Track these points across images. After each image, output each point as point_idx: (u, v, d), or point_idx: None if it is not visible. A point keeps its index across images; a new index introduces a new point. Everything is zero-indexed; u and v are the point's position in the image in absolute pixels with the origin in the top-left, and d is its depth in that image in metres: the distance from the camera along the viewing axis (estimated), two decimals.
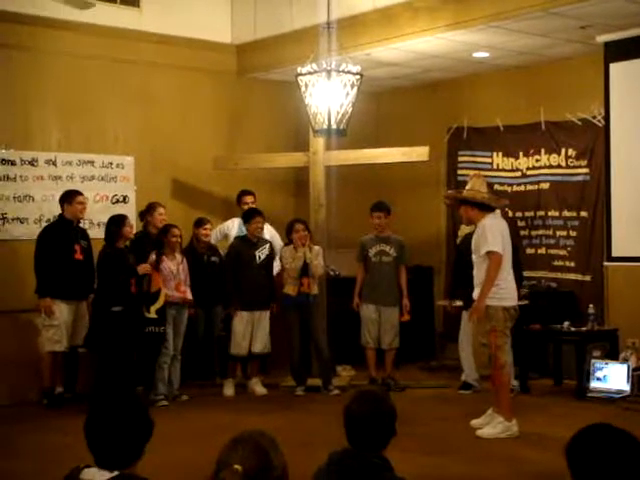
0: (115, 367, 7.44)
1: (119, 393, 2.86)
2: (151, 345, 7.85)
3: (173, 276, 8.01)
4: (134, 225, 8.36)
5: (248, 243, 8.51)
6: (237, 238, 8.74)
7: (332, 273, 9.30)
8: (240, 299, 8.35)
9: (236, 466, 2.35)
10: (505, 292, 6.57)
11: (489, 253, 6.50)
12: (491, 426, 6.56)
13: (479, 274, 6.62)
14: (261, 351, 8.45)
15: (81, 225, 8.21)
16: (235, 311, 8.37)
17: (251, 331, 8.38)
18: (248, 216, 8.60)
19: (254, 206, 9.10)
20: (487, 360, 6.65)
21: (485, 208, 6.68)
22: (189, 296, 8.11)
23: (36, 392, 7.85)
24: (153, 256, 7.84)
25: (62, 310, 7.81)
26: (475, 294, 6.65)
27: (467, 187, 6.87)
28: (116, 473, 2.62)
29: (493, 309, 6.52)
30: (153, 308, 7.76)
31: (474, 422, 6.76)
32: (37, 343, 7.91)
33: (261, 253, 8.50)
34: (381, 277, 8.56)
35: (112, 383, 7.42)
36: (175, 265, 8.04)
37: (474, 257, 6.73)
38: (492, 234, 6.53)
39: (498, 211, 6.91)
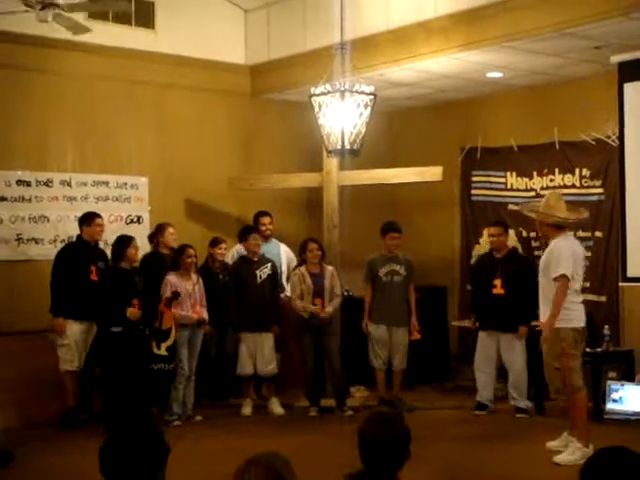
0: (121, 388, 7.43)
1: (134, 417, 2.79)
2: (160, 382, 7.83)
3: (189, 296, 8.02)
4: (143, 246, 8.38)
5: (248, 262, 8.47)
6: (238, 258, 8.71)
7: (345, 293, 9.28)
8: (241, 320, 8.34)
9: None
10: (573, 313, 6.54)
11: (558, 277, 6.45)
12: (569, 452, 6.39)
13: (545, 294, 6.58)
14: (267, 373, 8.41)
15: (100, 246, 8.26)
16: (236, 334, 8.38)
17: (255, 352, 8.36)
18: (244, 233, 8.56)
19: (271, 227, 9.11)
20: (561, 385, 6.54)
21: (559, 227, 6.64)
22: (205, 316, 8.12)
23: (53, 413, 7.80)
24: (169, 293, 7.84)
25: (74, 330, 7.86)
26: (542, 315, 6.62)
27: (543, 202, 6.80)
28: None
29: (563, 331, 6.47)
30: (164, 345, 7.72)
31: (550, 444, 6.64)
32: (58, 363, 7.93)
33: (262, 272, 8.44)
34: (393, 297, 8.53)
35: (122, 404, 7.42)
36: (191, 285, 8.05)
37: (541, 276, 6.69)
38: (565, 256, 6.49)
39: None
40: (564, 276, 6.44)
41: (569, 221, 6.70)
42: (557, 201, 6.74)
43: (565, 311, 6.48)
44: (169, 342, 7.71)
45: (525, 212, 7.16)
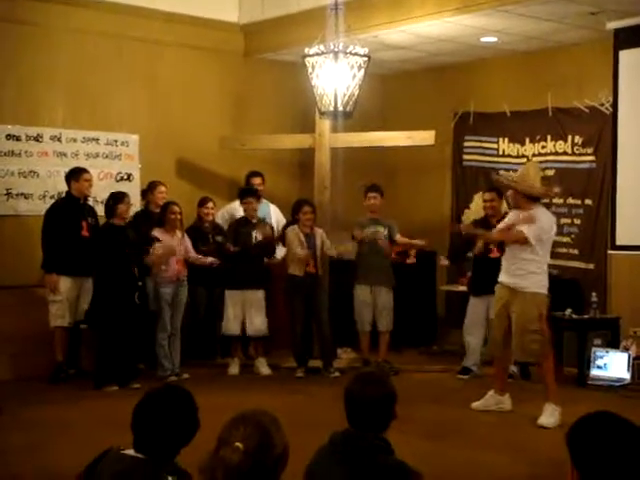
0: (115, 344, 7.47)
1: (178, 389, 2.99)
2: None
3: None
4: (136, 203, 8.39)
5: (245, 222, 8.55)
6: (237, 218, 8.77)
7: (334, 255, 9.29)
8: (232, 278, 8.38)
9: (237, 444, 2.37)
10: (546, 280, 6.72)
11: (522, 233, 6.51)
12: (547, 415, 6.45)
13: (513, 251, 6.65)
14: (255, 334, 8.46)
15: (89, 202, 8.23)
16: (224, 291, 8.44)
17: (243, 311, 8.40)
18: (242, 196, 8.66)
19: (262, 188, 9.12)
20: (538, 348, 6.58)
21: (534, 199, 6.68)
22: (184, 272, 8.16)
23: (42, 367, 7.84)
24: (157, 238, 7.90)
25: (66, 285, 7.86)
26: (502, 273, 6.74)
27: (518, 173, 6.82)
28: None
29: (541, 297, 6.65)
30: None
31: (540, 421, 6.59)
32: (48, 319, 7.94)
33: (258, 234, 8.50)
34: (375, 258, 8.59)
35: (113, 359, 7.48)
36: (176, 241, 8.08)
37: None
38: (539, 229, 6.54)
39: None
40: (526, 238, 6.50)
41: (549, 194, 6.76)
42: (536, 173, 6.79)
43: (540, 276, 6.65)
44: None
45: (505, 182, 7.14)
